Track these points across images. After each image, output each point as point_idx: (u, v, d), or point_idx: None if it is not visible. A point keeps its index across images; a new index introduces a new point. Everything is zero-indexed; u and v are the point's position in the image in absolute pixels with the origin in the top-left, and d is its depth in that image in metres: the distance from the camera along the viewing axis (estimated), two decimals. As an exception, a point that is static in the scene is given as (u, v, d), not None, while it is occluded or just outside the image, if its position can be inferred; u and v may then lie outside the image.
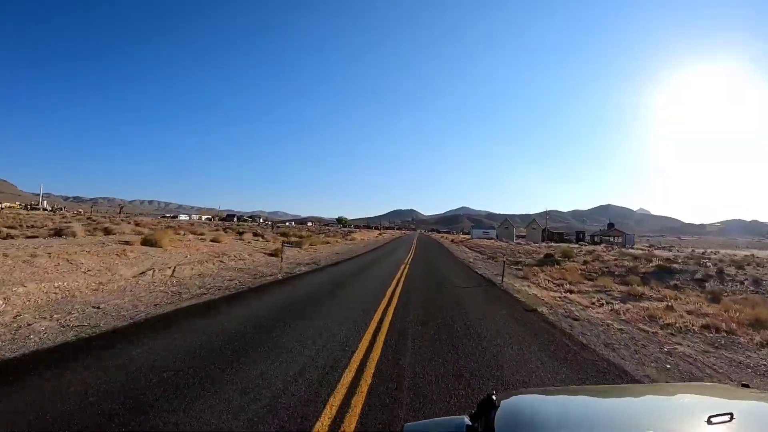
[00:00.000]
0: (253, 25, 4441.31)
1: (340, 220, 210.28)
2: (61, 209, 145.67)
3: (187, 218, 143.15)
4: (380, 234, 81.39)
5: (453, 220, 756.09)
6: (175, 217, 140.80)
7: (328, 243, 33.64)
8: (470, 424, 1.31)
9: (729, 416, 1.08)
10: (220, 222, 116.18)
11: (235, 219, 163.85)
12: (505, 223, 79.22)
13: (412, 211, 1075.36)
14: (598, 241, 69.64)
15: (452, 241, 57.95)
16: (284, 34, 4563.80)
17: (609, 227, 77.87)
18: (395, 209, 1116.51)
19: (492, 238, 77.44)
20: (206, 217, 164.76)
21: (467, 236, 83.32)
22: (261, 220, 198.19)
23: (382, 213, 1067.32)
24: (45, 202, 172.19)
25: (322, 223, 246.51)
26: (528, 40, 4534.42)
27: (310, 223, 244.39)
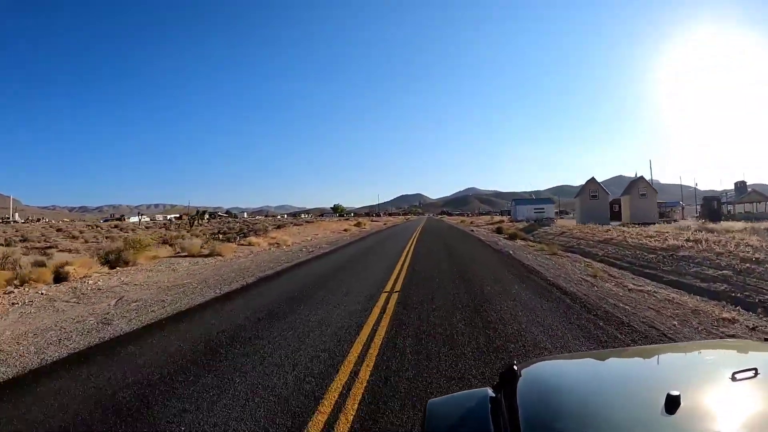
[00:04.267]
0: (240, 8, 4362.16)
1: (336, 209, 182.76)
2: (39, 220, 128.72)
3: (138, 219, 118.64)
4: (357, 225, 47.87)
5: (461, 202, 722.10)
6: (120, 218, 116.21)
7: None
8: (493, 395, 1.31)
9: (753, 372, 1.06)
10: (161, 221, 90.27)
11: (206, 216, 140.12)
12: (589, 186, 37.76)
13: (418, 195, 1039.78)
14: (729, 212, 40.78)
15: (498, 230, 27.98)
16: (273, 18, 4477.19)
17: (738, 188, 45.79)
18: (402, 195, 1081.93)
19: (547, 217, 48.50)
20: (174, 215, 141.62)
21: (503, 218, 54.37)
22: (245, 215, 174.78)
23: (389, 199, 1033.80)
24: (17, 214, 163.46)
25: (317, 213, 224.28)
26: (531, 10, 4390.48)
27: (304, 215, 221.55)
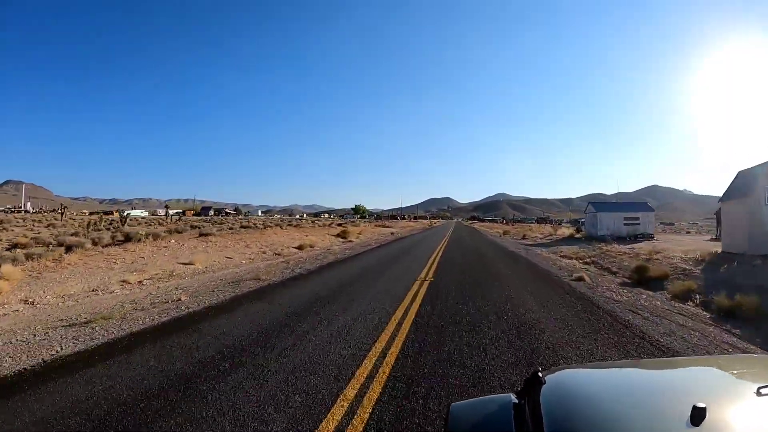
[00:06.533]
0: (273, 6, 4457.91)
1: (357, 210, 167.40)
2: (54, 210, 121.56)
3: (142, 213, 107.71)
4: (341, 235, 30.81)
5: (491, 207, 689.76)
6: (108, 213, 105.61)
7: None
8: (517, 401, 1.31)
9: None
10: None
11: (211, 212, 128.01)
12: (764, 181, 14.55)
13: (447, 198, 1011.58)
14: None
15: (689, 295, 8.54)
16: (300, 16, 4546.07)
17: None
18: (431, 198, 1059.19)
19: (645, 233, 30.81)
20: (175, 211, 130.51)
21: (569, 230, 35.16)
22: (259, 213, 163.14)
23: (418, 202, 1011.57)
24: (29, 203, 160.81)
25: (339, 214, 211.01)
26: (566, 15, 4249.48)
27: (325, 215, 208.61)
